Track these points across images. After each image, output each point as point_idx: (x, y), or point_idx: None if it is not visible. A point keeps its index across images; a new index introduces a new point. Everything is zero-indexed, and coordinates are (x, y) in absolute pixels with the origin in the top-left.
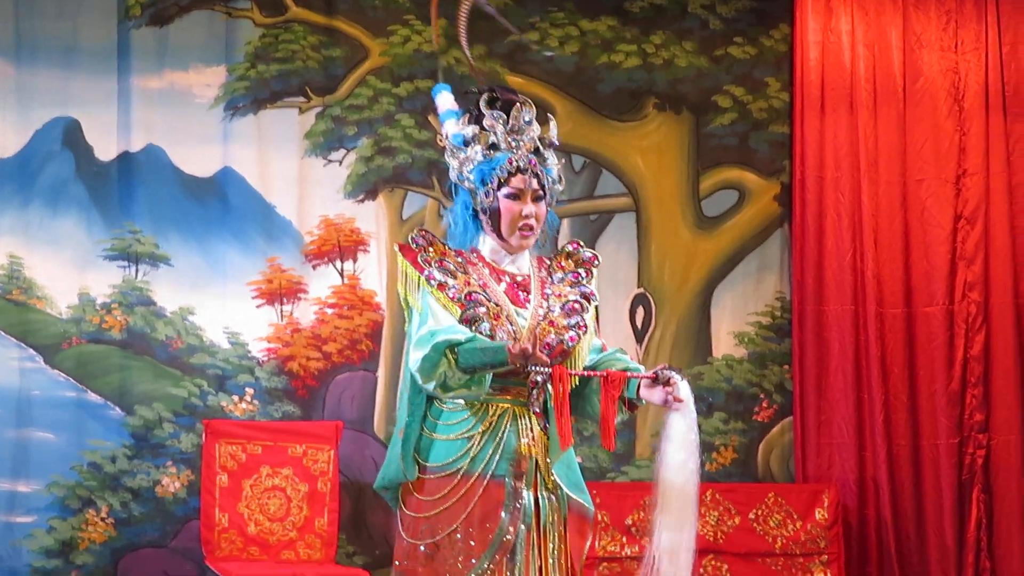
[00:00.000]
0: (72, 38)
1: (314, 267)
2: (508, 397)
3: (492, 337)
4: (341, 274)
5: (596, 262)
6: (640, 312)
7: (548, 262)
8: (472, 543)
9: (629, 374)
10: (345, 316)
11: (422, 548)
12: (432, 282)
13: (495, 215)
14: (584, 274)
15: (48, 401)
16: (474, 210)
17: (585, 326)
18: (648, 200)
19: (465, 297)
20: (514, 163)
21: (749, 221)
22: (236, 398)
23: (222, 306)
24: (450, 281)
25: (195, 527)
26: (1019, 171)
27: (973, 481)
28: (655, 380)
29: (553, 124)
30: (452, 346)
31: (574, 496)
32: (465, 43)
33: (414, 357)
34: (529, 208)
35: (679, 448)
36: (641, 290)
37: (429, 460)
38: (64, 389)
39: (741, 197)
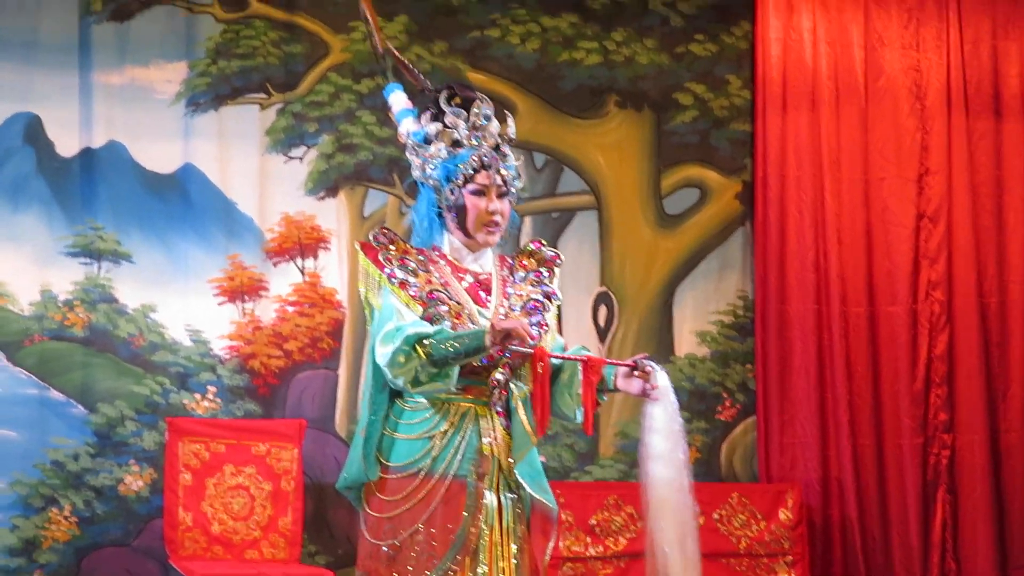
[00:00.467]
0: (33, 33)
1: (275, 264)
2: (470, 397)
3: None
4: (302, 271)
5: (558, 261)
6: (603, 311)
7: (510, 261)
8: (434, 543)
9: (608, 360)
10: (306, 314)
11: (384, 548)
12: (393, 280)
13: (461, 212)
14: (546, 273)
15: (10, 399)
16: (438, 208)
17: (546, 325)
18: (610, 198)
19: (427, 296)
20: (478, 159)
21: (711, 219)
22: (198, 396)
23: (184, 303)
24: (411, 280)
25: (159, 526)
26: (981, 169)
27: (938, 482)
28: (633, 369)
29: (511, 121)
30: (421, 339)
31: (537, 496)
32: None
33: (381, 352)
34: (495, 204)
35: (664, 438)
36: (603, 289)
37: (391, 460)
38: (26, 387)
39: (703, 195)
